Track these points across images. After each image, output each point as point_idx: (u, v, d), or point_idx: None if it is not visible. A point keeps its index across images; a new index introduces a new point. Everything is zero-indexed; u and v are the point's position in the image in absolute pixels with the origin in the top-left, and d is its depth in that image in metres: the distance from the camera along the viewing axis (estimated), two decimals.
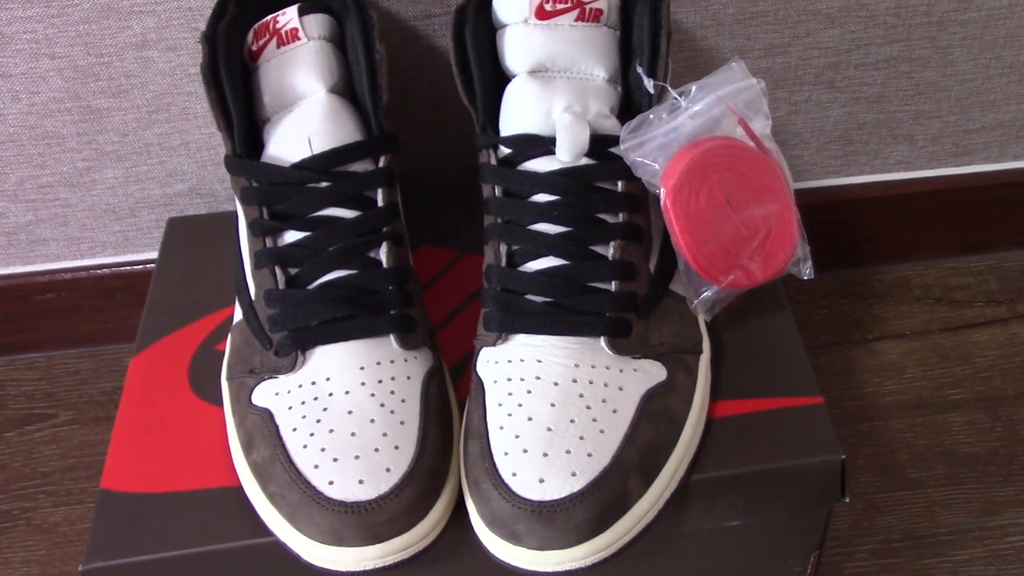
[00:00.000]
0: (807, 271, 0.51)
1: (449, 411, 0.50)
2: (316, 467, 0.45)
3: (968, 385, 0.74)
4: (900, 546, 0.65)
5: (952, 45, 0.69)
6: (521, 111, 0.50)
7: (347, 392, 0.47)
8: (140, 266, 0.75)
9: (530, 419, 0.45)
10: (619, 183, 0.50)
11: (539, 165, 0.50)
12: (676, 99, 0.50)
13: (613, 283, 0.49)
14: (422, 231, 0.63)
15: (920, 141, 0.75)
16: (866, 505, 0.67)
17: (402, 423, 0.46)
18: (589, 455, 0.44)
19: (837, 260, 0.82)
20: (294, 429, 0.46)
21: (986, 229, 0.81)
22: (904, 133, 0.75)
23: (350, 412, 0.46)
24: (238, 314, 0.53)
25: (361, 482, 0.44)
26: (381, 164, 0.52)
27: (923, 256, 0.82)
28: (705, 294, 0.50)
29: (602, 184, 0.50)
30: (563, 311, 0.48)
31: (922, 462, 0.69)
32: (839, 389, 0.74)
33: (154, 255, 0.74)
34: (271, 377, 0.49)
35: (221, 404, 0.53)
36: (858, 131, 0.74)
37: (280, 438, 0.46)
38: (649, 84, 0.50)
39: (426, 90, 0.67)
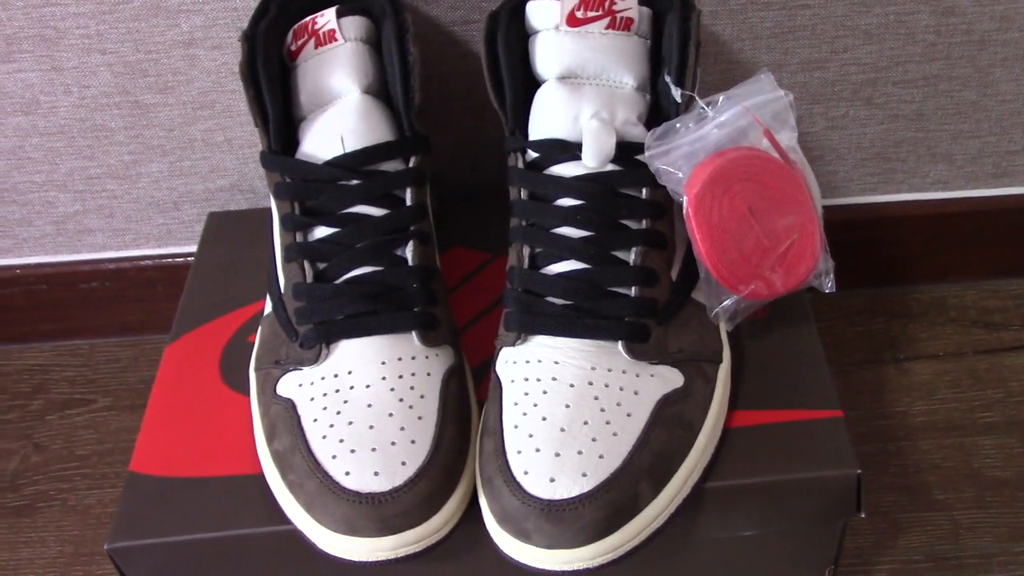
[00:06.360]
0: (829, 284, 0.51)
1: (468, 409, 0.50)
2: (334, 457, 0.45)
3: (1000, 409, 0.73)
4: (922, 567, 0.64)
5: (993, 65, 0.69)
6: (549, 116, 0.51)
7: (368, 386, 0.48)
8: (181, 259, 0.77)
9: (544, 419, 0.46)
10: (643, 190, 0.50)
11: (565, 170, 0.51)
12: (703, 108, 0.50)
13: (633, 288, 0.49)
14: (455, 233, 0.63)
15: (959, 161, 0.75)
16: (889, 524, 0.66)
17: (420, 418, 0.47)
18: (601, 457, 0.44)
19: (872, 278, 0.81)
20: (315, 420, 0.47)
21: None
22: (943, 152, 0.74)
23: (370, 405, 0.47)
24: (268, 306, 0.55)
25: (376, 474, 0.45)
26: (411, 164, 0.53)
27: (960, 277, 0.82)
28: (725, 303, 0.50)
29: (626, 190, 0.50)
30: (582, 314, 0.48)
31: (949, 484, 0.68)
32: (869, 407, 0.73)
33: (195, 248, 0.76)
34: (296, 368, 0.50)
35: (249, 394, 0.54)
36: (896, 149, 0.74)
37: (301, 428, 0.47)
38: (677, 93, 0.51)
39: (462, 94, 0.68)
